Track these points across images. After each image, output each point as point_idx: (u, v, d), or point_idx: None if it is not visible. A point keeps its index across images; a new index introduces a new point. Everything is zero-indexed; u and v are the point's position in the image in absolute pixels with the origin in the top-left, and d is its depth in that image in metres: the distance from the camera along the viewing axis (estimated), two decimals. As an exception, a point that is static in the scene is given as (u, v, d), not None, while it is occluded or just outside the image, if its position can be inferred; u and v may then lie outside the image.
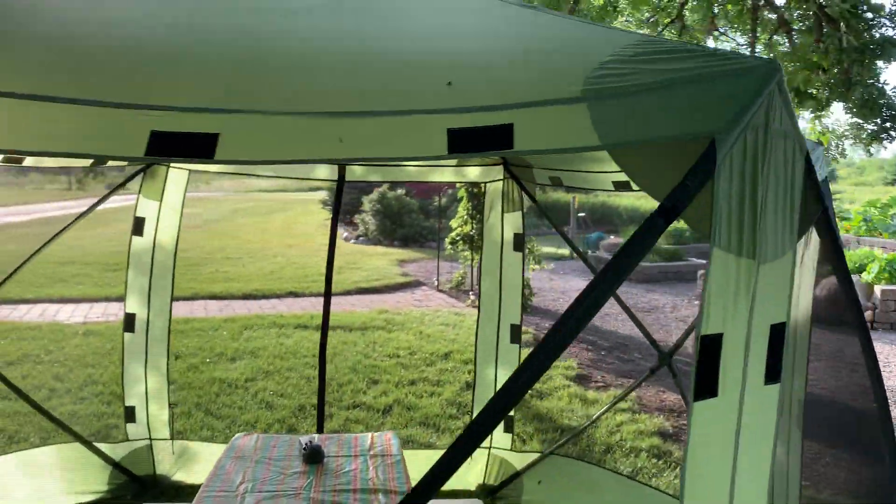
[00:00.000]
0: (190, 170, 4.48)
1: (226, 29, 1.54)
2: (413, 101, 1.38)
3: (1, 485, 3.99)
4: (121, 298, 4.51)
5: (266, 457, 3.21)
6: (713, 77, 1.34)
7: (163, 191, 4.44)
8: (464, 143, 1.33)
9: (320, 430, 4.69)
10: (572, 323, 1.22)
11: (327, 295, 4.40)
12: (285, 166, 4.55)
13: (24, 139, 1.28)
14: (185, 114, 1.32)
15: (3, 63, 1.32)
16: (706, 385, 1.36)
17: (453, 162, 4.47)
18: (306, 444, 3.23)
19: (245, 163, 1.40)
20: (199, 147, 1.30)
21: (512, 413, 4.64)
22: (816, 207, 1.54)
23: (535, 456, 4.50)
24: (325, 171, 4.49)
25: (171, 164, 4.42)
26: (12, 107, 1.24)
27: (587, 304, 1.22)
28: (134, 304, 4.43)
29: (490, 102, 1.37)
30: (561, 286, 12.01)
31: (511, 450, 4.61)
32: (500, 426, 4.61)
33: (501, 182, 4.52)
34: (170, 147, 1.30)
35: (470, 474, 4.63)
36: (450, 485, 3.78)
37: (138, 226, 4.42)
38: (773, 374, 1.45)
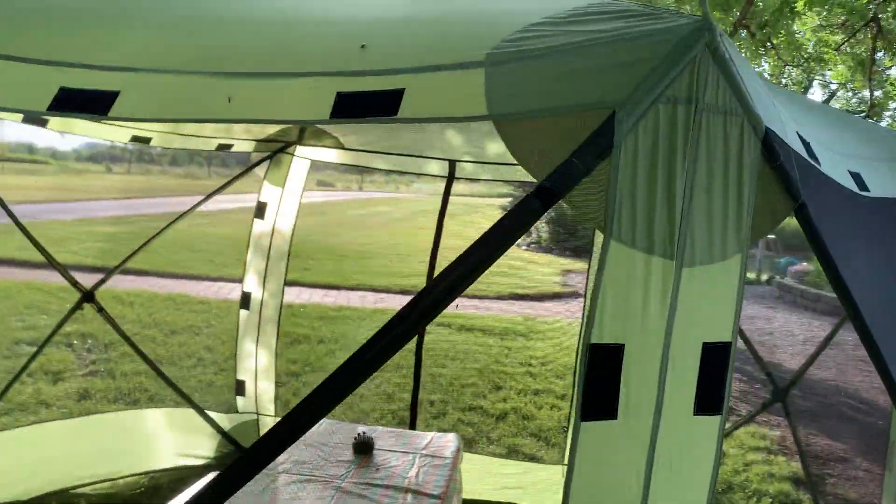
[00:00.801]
0: (312, 160, 4.67)
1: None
2: (309, 64, 1.30)
3: (118, 437, 4.39)
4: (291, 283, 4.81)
5: (321, 441, 3.24)
6: (624, 39, 1.12)
7: (286, 178, 4.66)
8: (349, 109, 1.22)
9: (413, 426, 4.69)
10: (415, 315, 1.07)
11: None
12: (399, 161, 4.61)
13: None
14: (93, 71, 1.34)
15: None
16: (598, 403, 1.14)
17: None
18: (359, 434, 3.22)
19: (134, 120, 1.40)
20: (98, 104, 1.31)
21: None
22: (787, 203, 1.22)
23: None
24: (437, 167, 4.48)
25: (295, 154, 4.63)
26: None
27: (435, 294, 1.07)
28: (251, 284, 4.69)
29: (389, 66, 1.25)
30: (733, 311, 11.08)
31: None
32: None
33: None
34: (71, 104, 1.32)
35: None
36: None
37: (260, 209, 4.67)
38: (708, 403, 1.19)
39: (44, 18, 1.41)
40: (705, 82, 1.12)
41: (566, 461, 3.04)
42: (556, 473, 4.25)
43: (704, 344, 1.17)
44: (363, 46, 1.32)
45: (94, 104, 1.32)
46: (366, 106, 1.22)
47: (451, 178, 4.42)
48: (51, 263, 3.84)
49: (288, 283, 6.10)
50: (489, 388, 6.56)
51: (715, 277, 1.17)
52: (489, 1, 1.56)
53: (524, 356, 7.70)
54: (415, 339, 4.40)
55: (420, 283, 11.48)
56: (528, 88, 1.15)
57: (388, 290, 10.81)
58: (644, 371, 1.15)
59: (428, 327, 8.75)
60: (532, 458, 5.20)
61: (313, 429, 3.44)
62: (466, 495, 3.65)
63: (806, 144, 1.45)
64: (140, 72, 1.34)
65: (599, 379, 1.14)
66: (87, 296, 3.95)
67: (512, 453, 5.22)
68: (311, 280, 11.00)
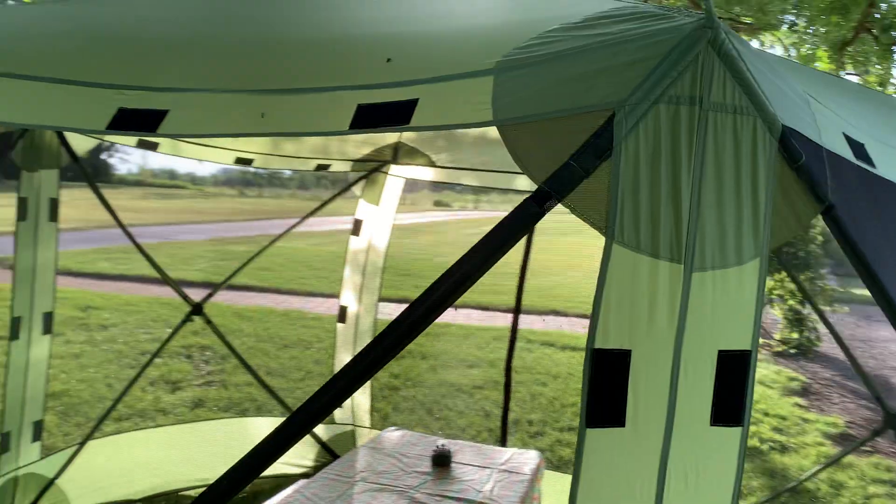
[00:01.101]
0: (405, 178, 4.80)
1: (186, 17, 1.67)
2: (336, 79, 1.37)
3: (226, 444, 4.64)
4: (403, 300, 4.99)
5: (400, 452, 3.30)
6: (627, 41, 1.10)
7: (380, 196, 4.81)
8: (366, 120, 1.28)
9: (503, 442, 4.68)
10: (404, 328, 1.09)
11: (516, 312, 4.41)
12: (489, 178, 4.65)
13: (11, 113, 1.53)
14: (149, 93, 1.47)
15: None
16: (604, 409, 1.11)
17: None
18: (438, 446, 3.25)
19: (178, 136, 1.51)
20: (149, 122, 1.44)
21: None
22: (813, 206, 1.13)
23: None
24: (524, 182, 4.48)
25: (389, 172, 4.78)
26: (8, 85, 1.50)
27: (427, 305, 1.09)
28: (347, 298, 4.86)
29: (407, 77, 1.30)
30: (865, 334, 10.33)
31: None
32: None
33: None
34: (126, 123, 1.46)
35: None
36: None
37: (356, 227, 4.84)
38: (726, 413, 1.13)
39: (109, 46, 1.56)
40: (710, 81, 1.09)
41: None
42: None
43: (720, 352, 1.12)
44: (389, 60, 1.37)
45: (145, 122, 1.45)
46: (382, 116, 1.27)
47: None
48: (164, 280, 4.14)
49: (398, 300, 6.22)
50: (590, 409, 6.43)
51: (730, 283, 1.12)
52: (517, 10, 1.57)
53: (630, 377, 7.49)
54: (557, 362, 4.40)
55: (530, 302, 11.45)
56: (531, 93, 1.16)
57: (495, 308, 10.84)
58: (654, 378, 1.12)
59: (530, 346, 8.70)
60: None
61: (394, 439, 3.51)
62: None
63: (857, 146, 1.36)
64: (187, 92, 1.45)
65: (605, 385, 1.12)
66: (196, 309, 4.21)
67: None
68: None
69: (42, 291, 3.69)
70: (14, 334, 3.57)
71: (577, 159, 1.07)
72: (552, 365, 7.75)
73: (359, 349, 4.78)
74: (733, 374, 1.13)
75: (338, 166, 4.63)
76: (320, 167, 4.57)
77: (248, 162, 4.22)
